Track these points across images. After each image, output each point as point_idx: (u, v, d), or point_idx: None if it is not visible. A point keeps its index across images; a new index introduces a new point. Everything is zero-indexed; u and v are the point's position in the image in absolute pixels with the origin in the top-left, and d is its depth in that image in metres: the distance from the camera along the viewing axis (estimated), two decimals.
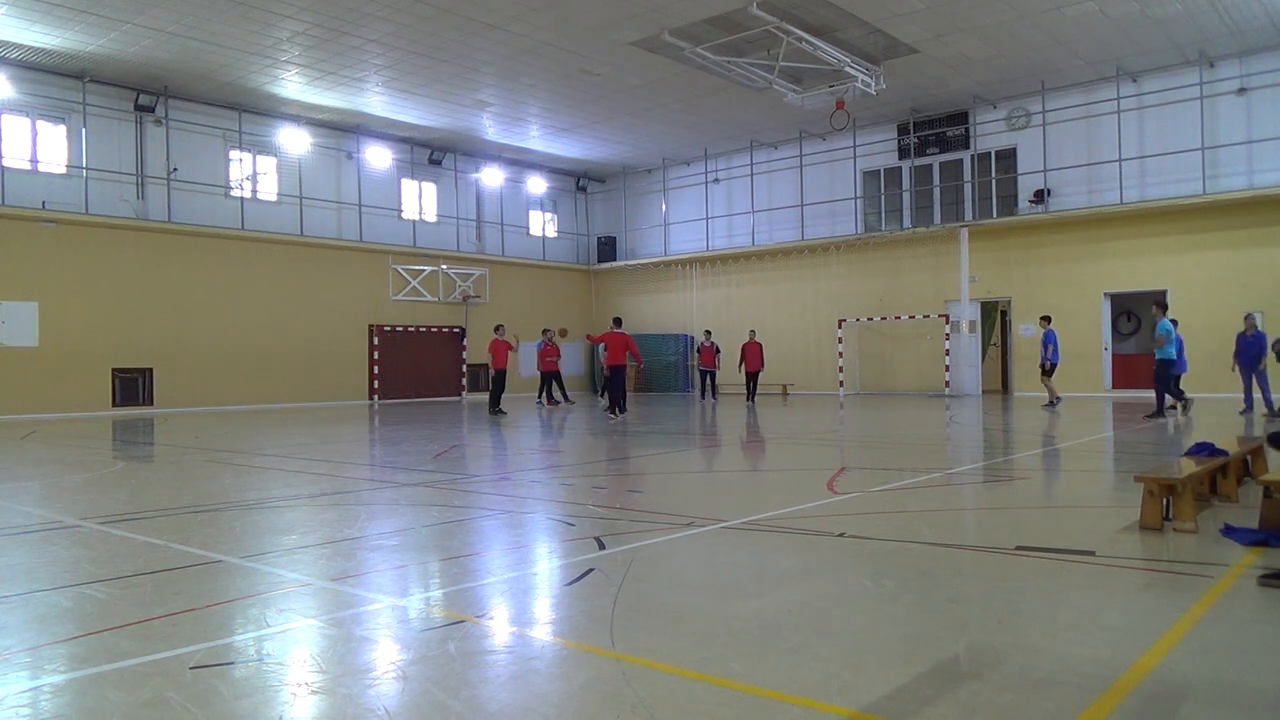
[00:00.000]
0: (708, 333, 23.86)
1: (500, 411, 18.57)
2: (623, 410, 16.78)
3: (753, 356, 21.86)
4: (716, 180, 28.61)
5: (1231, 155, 19.82)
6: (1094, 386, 21.58)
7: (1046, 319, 18.33)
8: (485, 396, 27.48)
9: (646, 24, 17.39)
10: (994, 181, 23.47)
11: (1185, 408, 14.78)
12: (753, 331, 22.88)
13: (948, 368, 23.12)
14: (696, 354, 23.34)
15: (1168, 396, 14.55)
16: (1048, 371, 17.68)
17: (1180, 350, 15.20)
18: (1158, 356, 14.26)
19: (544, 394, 21.59)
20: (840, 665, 3.09)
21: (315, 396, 23.54)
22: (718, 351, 23.37)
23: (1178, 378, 15.30)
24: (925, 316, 23.78)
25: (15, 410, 18.67)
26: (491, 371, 19.16)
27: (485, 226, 28.56)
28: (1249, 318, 14.51)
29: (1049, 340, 17.76)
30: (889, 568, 4.55)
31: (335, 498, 7.30)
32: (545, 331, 21.39)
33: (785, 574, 4.46)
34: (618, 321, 18.29)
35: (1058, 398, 17.91)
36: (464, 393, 27.21)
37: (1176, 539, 5.10)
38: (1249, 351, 14.49)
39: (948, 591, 4.12)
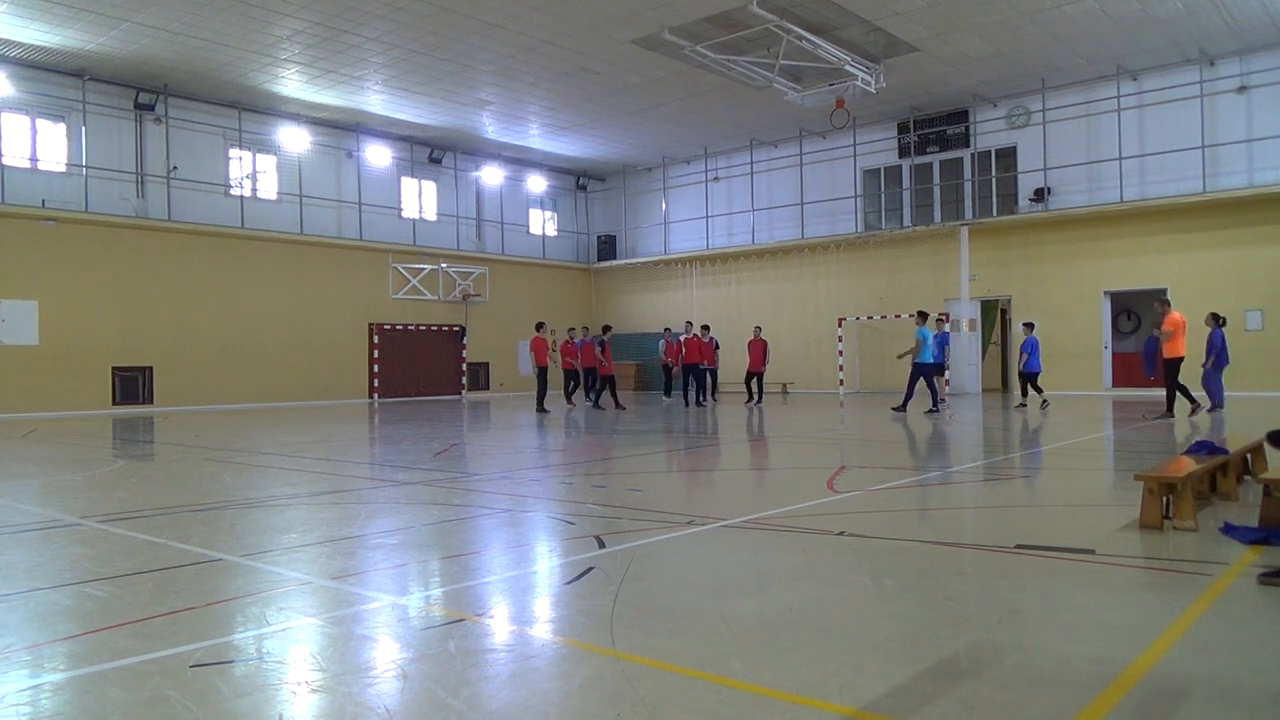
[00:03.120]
0: (705, 327, 21.52)
1: (544, 410, 18.30)
2: (710, 399, 20.40)
3: (755, 355, 20.78)
4: (716, 179, 28.60)
5: (1231, 154, 19.82)
6: (1094, 385, 21.60)
7: (940, 320, 18.76)
8: (486, 395, 27.56)
9: (646, 22, 17.39)
10: (994, 180, 23.46)
11: (935, 409, 16.22)
12: (758, 328, 21.76)
13: (948, 366, 23.10)
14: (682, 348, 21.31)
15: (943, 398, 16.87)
16: (939, 371, 18.42)
17: (1035, 352, 17.51)
18: (915, 360, 16.23)
19: (587, 393, 20.59)
20: (840, 664, 3.10)
21: (315, 395, 23.54)
22: (717, 347, 21.51)
23: (1033, 376, 17.61)
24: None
25: (15, 409, 18.67)
26: (535, 370, 18.75)
27: (485, 225, 28.55)
28: (1211, 317, 14.93)
29: (941, 341, 18.42)
30: (889, 566, 4.55)
31: (335, 496, 7.30)
32: (571, 330, 21.05)
33: (785, 573, 4.46)
34: (705, 329, 21.14)
35: (944, 398, 18.56)
36: (464, 391, 27.21)
37: (1176, 537, 5.10)
38: (1224, 349, 14.86)
39: (947, 590, 4.12)
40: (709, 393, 21.56)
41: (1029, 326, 18.17)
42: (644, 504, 6.64)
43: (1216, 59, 19.84)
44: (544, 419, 16.76)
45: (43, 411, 19.04)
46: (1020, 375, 17.89)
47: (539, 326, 19.33)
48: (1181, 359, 13.91)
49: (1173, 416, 13.98)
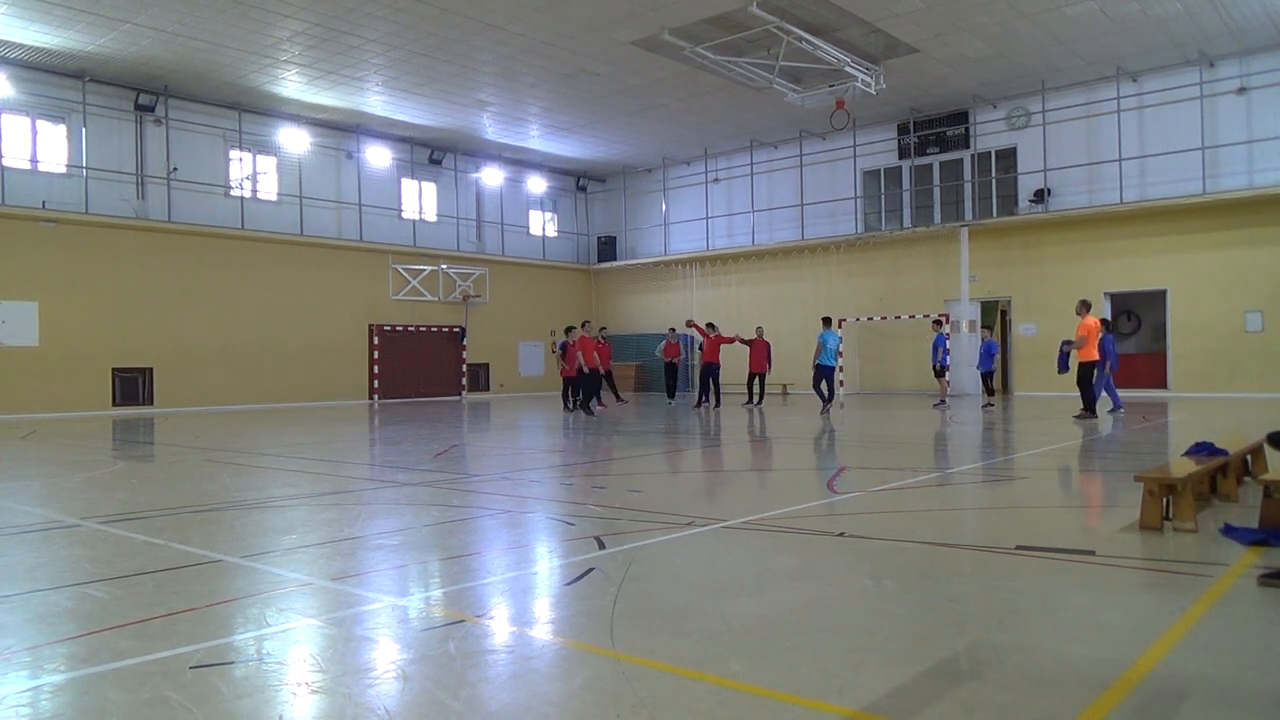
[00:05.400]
0: (711, 325, 21.12)
1: (589, 411, 17.96)
2: (715, 403, 19.96)
3: (757, 356, 20.33)
4: (716, 180, 28.61)
5: (1231, 155, 19.82)
6: None
7: (938, 323, 19.04)
8: (487, 396, 27.56)
9: (646, 23, 17.39)
10: (994, 181, 23.47)
11: (827, 410, 17.07)
12: (760, 329, 21.26)
13: (948, 367, 23.09)
14: (699, 349, 21.71)
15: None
16: (939, 373, 19.14)
17: (987, 355, 18.29)
18: (817, 362, 17.16)
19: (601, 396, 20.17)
20: (840, 664, 3.10)
21: (315, 396, 23.54)
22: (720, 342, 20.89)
23: (987, 376, 18.36)
24: (925, 316, 23.77)
25: (15, 410, 18.67)
26: (585, 370, 18.54)
27: (485, 226, 28.56)
28: (1100, 322, 15.34)
29: (939, 343, 19.02)
30: (889, 567, 4.55)
31: (335, 497, 7.30)
32: (603, 329, 20.80)
33: (785, 573, 4.46)
34: (711, 326, 20.57)
35: (944, 399, 19.08)
36: (464, 392, 27.21)
37: (1176, 538, 5.10)
38: (1114, 352, 15.50)
39: (947, 591, 4.12)
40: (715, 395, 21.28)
41: (988, 329, 19.08)
42: (644, 505, 6.64)
43: (1216, 60, 19.84)
44: (588, 420, 16.49)
45: (43, 413, 19.03)
46: (982, 375, 18.84)
47: (584, 325, 19.10)
48: (1095, 363, 14.62)
49: (1094, 416, 14.57)
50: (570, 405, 19.20)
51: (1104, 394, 15.56)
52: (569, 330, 19.62)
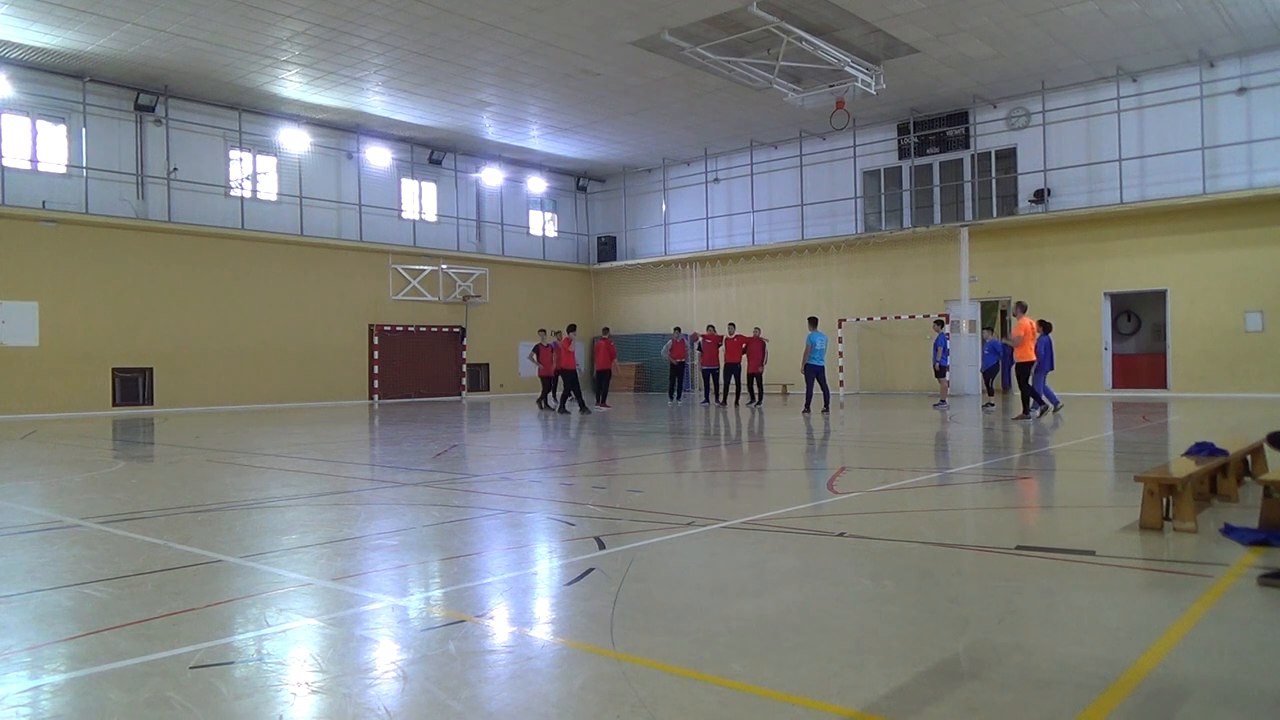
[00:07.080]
0: (731, 325, 21.51)
1: (564, 410, 18.38)
2: (717, 400, 20.72)
3: (754, 355, 20.50)
4: (716, 180, 28.60)
5: (1231, 155, 19.82)
6: (1094, 386, 21.58)
7: (939, 323, 19.15)
8: (487, 396, 27.56)
9: (646, 24, 17.39)
10: (994, 181, 23.46)
11: (806, 410, 17.43)
12: (757, 329, 21.49)
13: (948, 367, 23.07)
14: (698, 350, 22.48)
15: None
16: (940, 373, 19.30)
17: (993, 351, 18.11)
18: (807, 363, 17.42)
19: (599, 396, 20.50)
20: (840, 665, 3.10)
21: (315, 396, 23.54)
22: (720, 344, 21.12)
23: (989, 376, 18.35)
24: (925, 316, 23.78)
25: (15, 410, 18.67)
26: (595, 371, 19.64)
27: (485, 226, 28.56)
28: (1039, 324, 15.61)
29: (940, 344, 19.17)
30: (889, 568, 4.55)
31: (335, 497, 7.30)
32: (606, 329, 21.23)
33: (785, 574, 4.46)
34: (730, 326, 21.25)
35: (944, 399, 19.24)
36: (464, 393, 27.21)
37: (1176, 539, 5.10)
38: (1049, 355, 15.73)
39: (948, 591, 4.12)
40: (719, 394, 21.19)
41: (988, 330, 19.45)
42: (644, 505, 6.63)
43: (1216, 60, 19.84)
44: (585, 419, 16.85)
45: (43, 413, 19.03)
46: (984, 375, 18.96)
47: (570, 329, 19.47)
48: (1032, 363, 14.94)
49: (1029, 417, 14.75)
50: (544, 404, 19.87)
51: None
52: (552, 332, 20.37)
